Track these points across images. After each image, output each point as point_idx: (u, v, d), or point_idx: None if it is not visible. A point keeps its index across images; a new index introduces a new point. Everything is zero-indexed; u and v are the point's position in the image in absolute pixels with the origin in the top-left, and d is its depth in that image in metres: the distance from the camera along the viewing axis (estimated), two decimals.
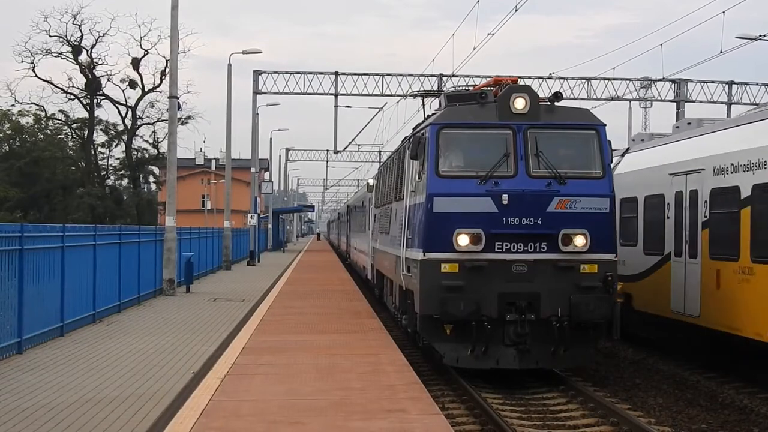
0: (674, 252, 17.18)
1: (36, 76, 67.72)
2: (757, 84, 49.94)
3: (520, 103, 14.66)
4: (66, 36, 67.04)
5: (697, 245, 16.21)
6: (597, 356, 17.37)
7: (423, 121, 17.01)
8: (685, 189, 16.82)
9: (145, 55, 68.69)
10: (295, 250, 75.85)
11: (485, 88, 15.69)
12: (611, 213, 14.70)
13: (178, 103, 29.37)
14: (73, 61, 67.86)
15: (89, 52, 68.03)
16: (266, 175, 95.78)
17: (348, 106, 51.28)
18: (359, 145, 75.30)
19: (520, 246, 14.30)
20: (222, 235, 42.02)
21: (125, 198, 75.92)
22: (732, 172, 15.06)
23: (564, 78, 48.56)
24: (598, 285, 14.31)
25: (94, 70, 68.45)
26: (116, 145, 76.11)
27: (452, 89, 19.60)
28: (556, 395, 14.37)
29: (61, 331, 16.17)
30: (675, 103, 50.39)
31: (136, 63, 68.45)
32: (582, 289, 14.24)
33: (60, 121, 74.37)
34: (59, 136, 76.42)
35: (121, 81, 69.94)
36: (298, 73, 49.43)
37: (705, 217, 15.96)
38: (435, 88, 46.23)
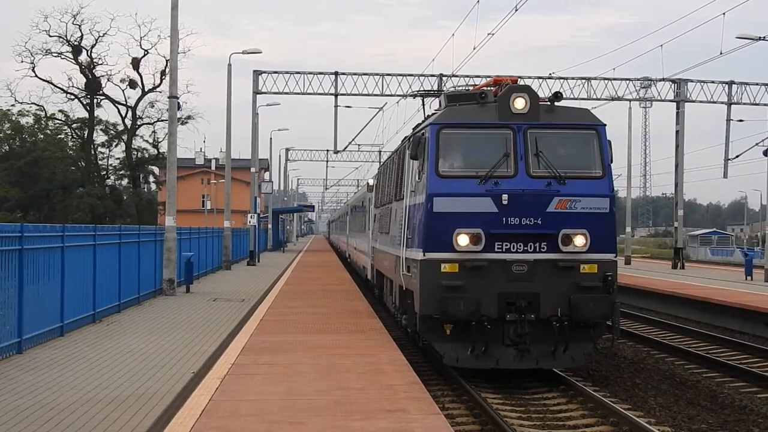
0: None
1: (36, 76, 67.81)
2: (757, 84, 49.89)
3: (520, 103, 14.65)
4: (66, 36, 67.12)
5: None
6: (597, 356, 17.40)
7: (423, 121, 17.00)
8: None
9: (145, 55, 68.81)
10: (295, 250, 75.85)
11: (485, 88, 15.69)
12: (611, 213, 14.69)
13: (178, 103, 29.34)
14: (73, 61, 67.90)
15: (89, 52, 68.11)
16: (266, 175, 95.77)
17: (348, 106, 51.25)
18: (359, 145, 75.67)
19: (520, 246, 14.30)
20: (222, 235, 42.00)
21: (125, 198, 75.87)
22: None
23: (564, 78, 48.54)
24: (598, 285, 14.31)
25: (94, 70, 68.47)
26: (116, 145, 76.18)
27: (452, 89, 19.58)
28: (556, 395, 14.37)
29: (61, 331, 16.17)
30: (675, 103, 50.36)
31: (136, 63, 68.46)
32: (582, 288, 14.24)
33: (60, 121, 74.39)
34: (59, 136, 76.38)
35: (121, 81, 70.02)
36: (298, 73, 49.38)
37: None
38: (435, 88, 46.17)
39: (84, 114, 71.39)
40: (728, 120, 49.85)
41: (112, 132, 75.18)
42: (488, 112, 14.80)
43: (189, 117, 72.17)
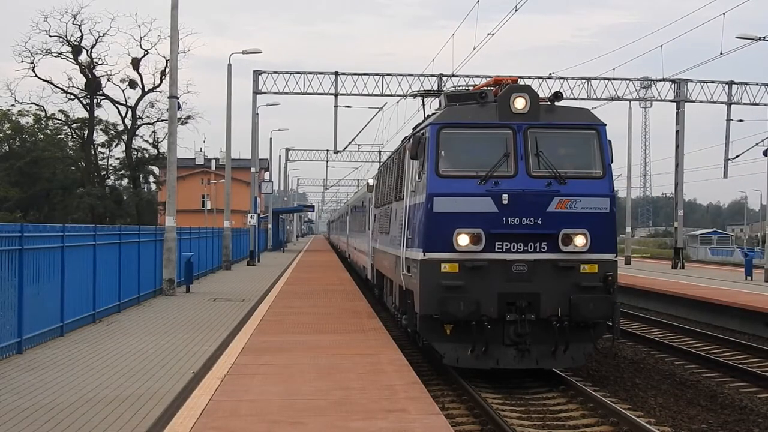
0: None
1: (36, 76, 67.76)
2: (757, 84, 49.89)
3: (520, 103, 14.64)
4: (66, 36, 67.09)
5: None
6: (597, 356, 17.40)
7: (423, 121, 17.00)
8: None
9: (145, 55, 68.76)
10: (295, 250, 75.84)
11: (485, 88, 15.67)
12: (612, 213, 14.68)
13: (178, 103, 29.32)
14: (73, 61, 67.86)
15: (89, 52, 68.07)
16: (266, 175, 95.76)
17: (348, 106, 51.24)
18: (359, 145, 75.68)
19: (520, 246, 14.29)
20: (222, 235, 42.00)
21: (125, 198, 75.87)
22: None
23: (564, 78, 48.53)
24: (599, 285, 14.29)
25: (94, 70, 68.44)
26: (116, 145, 76.21)
27: (452, 89, 19.58)
28: (556, 395, 14.37)
29: (61, 331, 16.17)
30: (675, 103, 50.36)
31: (136, 63, 68.43)
32: (582, 288, 14.22)
33: (60, 121, 74.40)
34: (59, 136, 76.41)
35: (121, 81, 69.98)
36: (298, 73, 49.36)
37: None
38: (435, 88, 46.17)
39: (84, 114, 71.51)
40: (728, 120, 49.86)
41: (112, 132, 75.22)
42: (488, 111, 14.78)
43: (189, 117, 72.23)
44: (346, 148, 53.71)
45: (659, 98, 50.53)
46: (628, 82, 49.65)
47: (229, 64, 44.73)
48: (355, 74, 49.01)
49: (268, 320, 18.98)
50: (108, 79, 69.52)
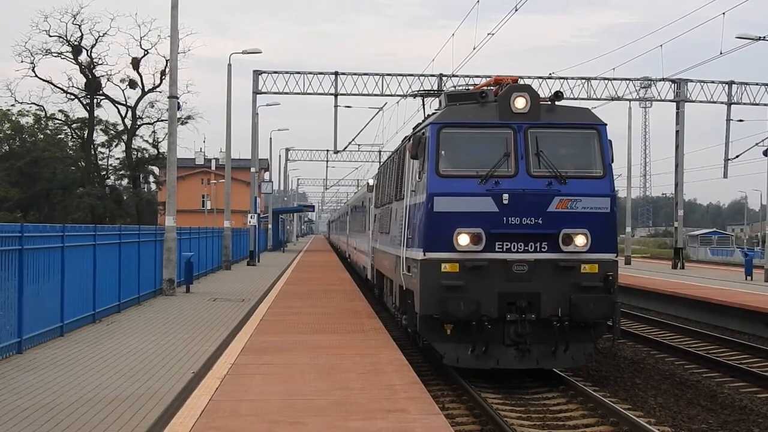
0: None
1: (36, 76, 67.75)
2: (757, 84, 49.88)
3: (520, 103, 14.63)
4: (66, 36, 67.08)
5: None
6: (597, 356, 17.39)
7: (423, 121, 16.99)
8: None
9: (145, 55, 68.75)
10: (295, 250, 75.83)
11: (485, 88, 15.65)
12: (612, 213, 14.67)
13: (178, 103, 29.32)
14: (73, 61, 67.86)
15: (89, 52, 68.06)
16: (266, 175, 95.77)
17: (348, 106, 51.27)
18: (359, 145, 75.81)
19: (521, 246, 14.28)
20: (222, 235, 41.99)
21: (125, 198, 75.86)
22: None
23: (564, 78, 48.52)
24: (599, 285, 14.29)
25: (94, 70, 68.42)
26: (116, 145, 76.19)
27: (452, 89, 19.57)
28: (556, 395, 14.36)
29: (61, 331, 16.16)
30: (675, 103, 50.34)
31: (136, 63, 68.42)
32: (582, 288, 14.21)
33: (60, 121, 74.39)
34: (59, 136, 76.41)
35: (121, 81, 69.96)
36: (298, 73, 49.36)
37: None
38: (435, 88, 46.16)
39: (84, 114, 71.49)
40: (728, 120, 49.86)
41: (112, 132, 75.21)
42: (489, 111, 14.77)
43: (189, 117, 72.24)
44: (346, 148, 53.75)
45: (659, 98, 50.55)
46: (628, 82, 49.65)
47: (229, 64, 44.75)
48: (355, 74, 49.01)
49: (268, 320, 18.98)
50: (108, 79, 69.62)
